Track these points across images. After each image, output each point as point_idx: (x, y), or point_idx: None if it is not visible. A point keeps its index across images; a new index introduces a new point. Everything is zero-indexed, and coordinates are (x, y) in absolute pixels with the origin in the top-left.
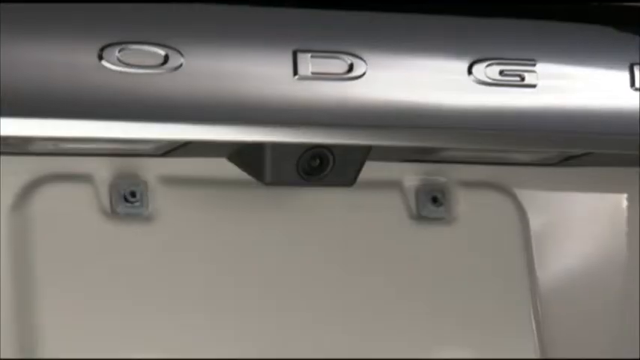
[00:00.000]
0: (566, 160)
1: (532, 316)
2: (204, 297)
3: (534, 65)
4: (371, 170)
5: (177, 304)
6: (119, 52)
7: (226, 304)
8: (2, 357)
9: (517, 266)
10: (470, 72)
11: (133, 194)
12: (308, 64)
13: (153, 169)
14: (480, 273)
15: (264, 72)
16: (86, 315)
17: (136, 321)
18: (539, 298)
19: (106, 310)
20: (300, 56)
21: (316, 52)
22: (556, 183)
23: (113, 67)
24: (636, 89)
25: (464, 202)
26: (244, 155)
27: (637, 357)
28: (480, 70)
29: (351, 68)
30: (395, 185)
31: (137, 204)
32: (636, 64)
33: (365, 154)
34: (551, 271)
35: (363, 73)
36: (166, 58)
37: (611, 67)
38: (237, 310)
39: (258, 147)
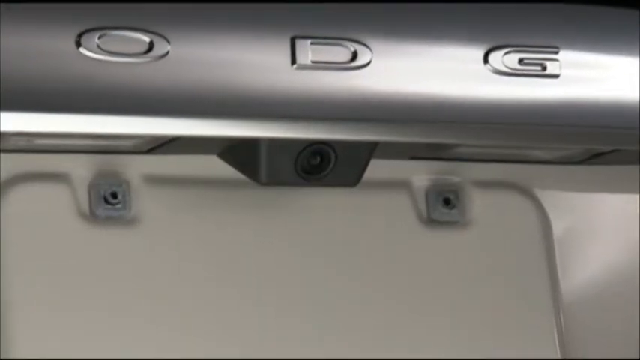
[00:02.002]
0: (593, 158)
1: (555, 328)
2: (192, 309)
3: (557, 53)
4: (377, 169)
5: (161, 316)
6: (99, 38)
7: (217, 317)
8: None
9: (538, 275)
10: (486, 60)
11: (114, 195)
12: (307, 51)
13: (136, 167)
14: (497, 282)
15: (259, 61)
16: (62, 327)
17: (116, 334)
18: (562, 309)
19: (84, 322)
20: (299, 43)
21: (316, 39)
22: (581, 183)
23: (92, 55)
24: None
25: (479, 204)
26: (237, 152)
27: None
28: (497, 58)
29: (354, 56)
30: (403, 185)
31: (119, 206)
32: None
33: (370, 151)
34: (576, 279)
35: (368, 62)
36: (151, 46)
37: None
38: (230, 322)
39: (252, 143)
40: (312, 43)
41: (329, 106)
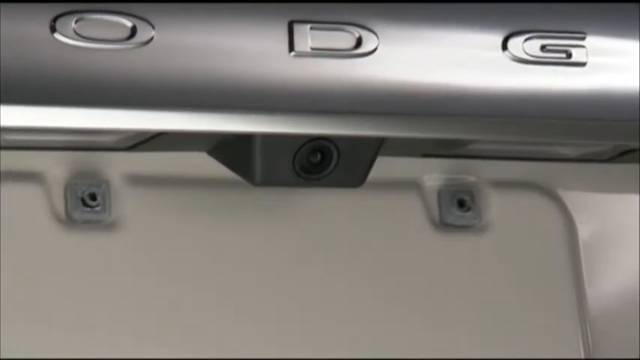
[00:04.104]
0: (622, 155)
1: (581, 341)
2: (179, 321)
3: (584, 39)
4: (384, 168)
5: (145, 329)
6: (75, 22)
7: (208, 329)
8: None
9: (563, 283)
10: (505, 47)
11: (93, 197)
12: (306, 37)
13: (117, 165)
14: (516, 292)
15: (253, 48)
16: (34, 340)
17: (95, 348)
18: (588, 320)
19: (58, 335)
20: (297, 28)
21: (317, 24)
22: (609, 182)
23: (68, 42)
24: None
25: (497, 206)
26: (229, 149)
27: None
28: (517, 44)
29: (359, 43)
30: (413, 186)
31: (98, 208)
32: None
33: (376, 148)
34: (604, 287)
35: (374, 49)
36: (133, 31)
37: None
38: (221, 335)
39: (245, 139)
40: (311, 28)
41: (331, 97)
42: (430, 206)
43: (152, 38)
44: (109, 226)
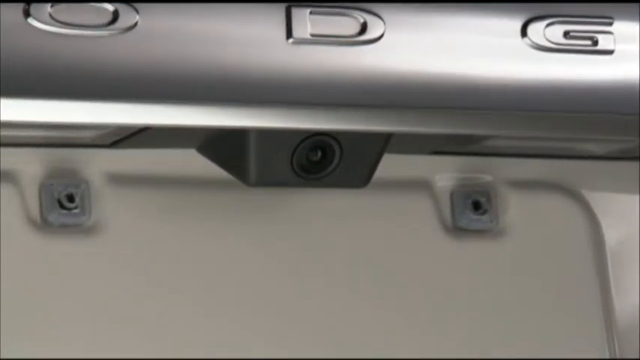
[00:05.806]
0: None
1: (607, 353)
2: (163, 332)
3: (611, 24)
4: (391, 166)
5: (127, 341)
6: (52, 6)
7: (198, 340)
8: None
9: (588, 291)
10: (524, 33)
11: (71, 198)
12: (306, 23)
13: (98, 164)
14: (537, 302)
15: (248, 34)
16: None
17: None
18: (616, 331)
19: (38, 348)
20: (296, 12)
21: (317, 8)
22: (638, 182)
23: (44, 27)
24: None
25: (515, 208)
26: (221, 146)
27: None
28: (537, 30)
29: (363, 29)
30: (423, 186)
31: (76, 211)
32: None
33: (382, 144)
34: (632, 296)
35: (380, 36)
36: (115, 15)
37: None
38: (213, 347)
39: (239, 135)
40: (311, 13)
41: (332, 89)
42: (442, 208)
43: (136, 24)
44: (89, 230)
